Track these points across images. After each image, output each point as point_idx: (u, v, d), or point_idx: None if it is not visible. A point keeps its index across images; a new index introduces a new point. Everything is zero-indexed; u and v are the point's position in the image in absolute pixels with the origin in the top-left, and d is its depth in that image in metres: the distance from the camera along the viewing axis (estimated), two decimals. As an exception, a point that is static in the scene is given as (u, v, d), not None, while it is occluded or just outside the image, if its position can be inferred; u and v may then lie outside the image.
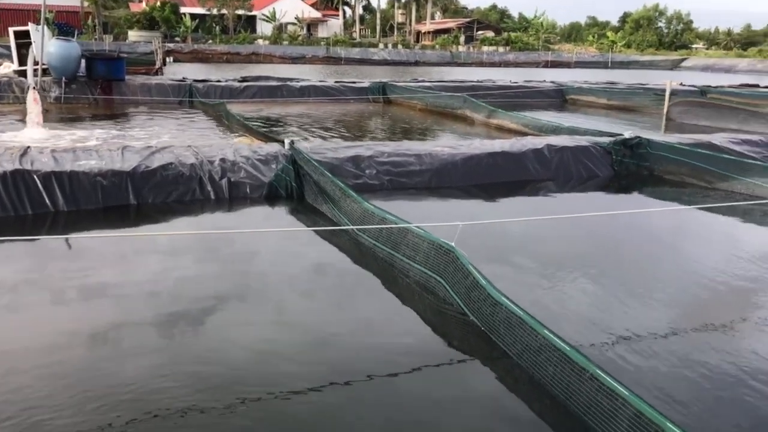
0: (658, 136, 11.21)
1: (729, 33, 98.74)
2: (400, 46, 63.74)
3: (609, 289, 5.49)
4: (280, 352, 4.24)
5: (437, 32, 72.26)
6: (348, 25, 76.54)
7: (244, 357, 4.16)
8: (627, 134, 10.31)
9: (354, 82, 20.83)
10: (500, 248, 6.38)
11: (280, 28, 65.44)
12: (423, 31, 74.20)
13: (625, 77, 32.49)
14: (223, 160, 7.96)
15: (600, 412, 3.30)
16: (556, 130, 12.01)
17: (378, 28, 72.66)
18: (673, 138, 10.92)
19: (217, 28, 61.50)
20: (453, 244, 4.92)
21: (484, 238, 6.44)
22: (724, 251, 6.69)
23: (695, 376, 4.07)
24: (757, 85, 25.96)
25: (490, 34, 72.41)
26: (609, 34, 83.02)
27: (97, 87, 16.82)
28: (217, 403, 3.60)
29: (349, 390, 3.83)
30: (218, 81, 19.02)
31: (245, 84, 18.75)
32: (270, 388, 3.78)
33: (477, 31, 72.98)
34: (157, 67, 22.37)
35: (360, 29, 75.59)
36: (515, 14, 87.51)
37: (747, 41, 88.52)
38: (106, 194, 7.27)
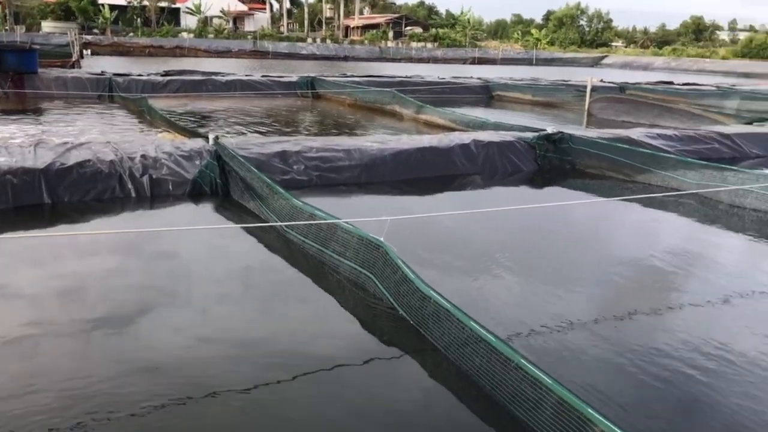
0: (580, 132, 11.57)
1: (646, 32, 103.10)
2: (328, 41, 63.45)
3: (535, 279, 5.62)
4: (207, 354, 4.13)
5: (366, 27, 72.36)
6: (275, 19, 75.54)
7: (169, 360, 4.03)
8: (550, 129, 10.60)
9: (282, 77, 20.56)
10: (430, 242, 6.43)
11: (206, 22, 63.95)
12: (352, 26, 74.13)
13: (549, 74, 33.43)
14: (144, 156, 7.69)
15: (525, 400, 3.37)
16: (483, 126, 12.22)
17: (306, 22, 72.06)
18: (594, 133, 11.29)
19: (139, 20, 59.48)
20: (382, 239, 4.92)
21: (414, 232, 6.48)
22: (642, 240, 6.98)
23: (618, 361, 4.22)
24: (671, 82, 27.23)
25: (418, 30, 73.09)
26: (533, 31, 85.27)
27: (7, 80, 15.95)
28: (140, 410, 3.47)
29: (280, 389, 3.77)
30: (140, 75, 18.38)
31: (168, 78, 18.20)
32: (197, 391, 3.68)
33: (405, 27, 73.51)
34: (73, 59, 21.42)
35: (288, 23, 74.76)
36: (442, 11, 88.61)
37: (662, 40, 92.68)
38: (16, 193, 6.90)
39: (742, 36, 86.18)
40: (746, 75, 49.06)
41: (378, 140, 9.59)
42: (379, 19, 74.30)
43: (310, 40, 62.83)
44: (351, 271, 5.23)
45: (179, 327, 4.49)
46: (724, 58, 67.86)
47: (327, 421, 3.50)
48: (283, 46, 56.04)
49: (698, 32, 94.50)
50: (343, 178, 8.55)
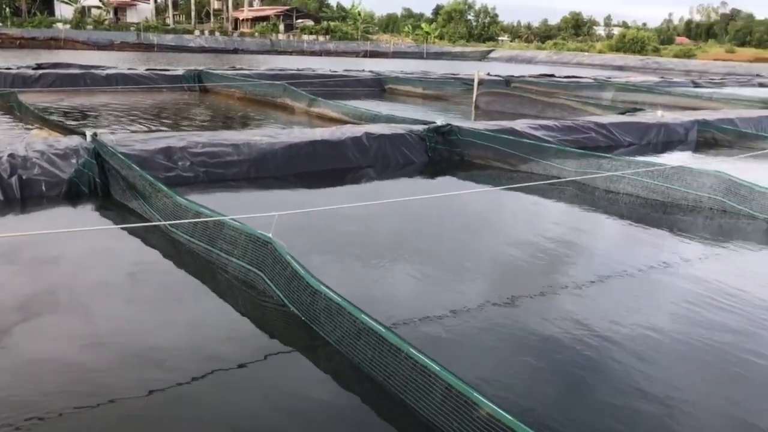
0: (468, 124, 11.89)
1: (529, 27, 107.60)
2: (217, 33, 61.70)
3: (430, 268, 5.72)
4: (99, 361, 3.90)
5: (256, 20, 70.93)
6: (160, 10, 72.59)
7: (59, 369, 3.78)
8: (439, 122, 10.82)
9: (167, 70, 19.78)
10: (323, 236, 6.39)
11: (83, 12, 60.35)
12: (241, 19, 72.43)
13: (439, 67, 34.16)
14: (12, 156, 7.15)
15: (416, 388, 3.42)
16: (375, 119, 12.30)
17: (193, 14, 69.71)
18: (481, 125, 11.63)
19: (8, 9, 55.28)
20: (270, 235, 4.83)
21: (307, 227, 6.42)
22: (528, 226, 7.28)
23: (507, 344, 4.37)
24: (553, 75, 28.61)
25: (309, 22, 72.56)
26: (424, 25, 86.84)
27: None
28: (24, 422, 3.22)
29: (172, 393, 3.64)
30: (8, 68, 17.09)
31: (41, 72, 17.06)
32: (93, 399, 3.48)
33: (297, 19, 72.74)
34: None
35: (173, 15, 72.05)
36: (333, 3, 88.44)
37: (544, 35, 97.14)
38: None
39: (617, 31, 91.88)
40: (620, 68, 52.39)
41: (268, 134, 9.42)
42: (270, 11, 73.08)
43: (197, 32, 60.81)
44: (240, 270, 5.10)
45: (67, 335, 4.22)
46: (600, 51, 72.11)
47: (227, 419, 3.40)
48: (169, 39, 53.94)
49: (577, 27, 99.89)
50: (231, 174, 8.34)
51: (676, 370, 4.15)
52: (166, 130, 11.25)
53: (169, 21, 68.00)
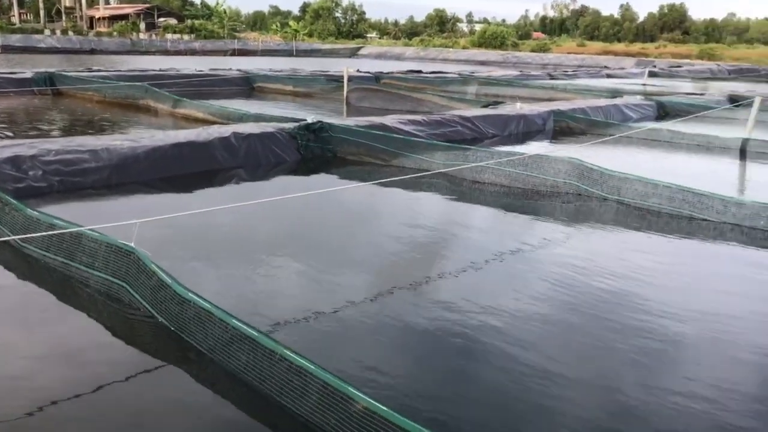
0: (339, 120, 11.92)
1: (396, 24, 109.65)
2: (71, 33, 57.81)
3: (308, 267, 5.67)
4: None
5: (114, 18, 67.23)
6: (4, 9, 66.91)
7: None
8: (310, 119, 10.78)
9: (13, 73, 18.25)
10: (195, 241, 6.17)
11: None
12: (97, 17, 68.37)
13: (310, 65, 34.04)
14: None
15: (292, 389, 3.38)
16: (243, 118, 12.04)
17: (42, 12, 64.91)
18: (352, 121, 11.71)
19: None
20: (132, 244, 4.59)
21: (177, 233, 6.18)
22: (404, 219, 7.42)
23: (390, 334, 4.43)
24: (420, 71, 29.35)
25: (173, 21, 69.79)
26: (292, 23, 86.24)
27: None
28: None
29: (40, 419, 3.37)
30: None
31: None
32: None
33: (158, 17, 69.73)
34: None
35: (20, 13, 66.68)
36: (197, 1, 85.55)
37: (411, 31, 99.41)
38: None
39: (479, 27, 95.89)
40: (483, 63, 54.74)
41: (130, 138, 8.96)
42: (129, 9, 69.52)
43: (48, 31, 56.67)
44: (103, 283, 4.82)
45: None
46: (464, 47, 75.02)
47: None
48: (15, 39, 49.84)
49: (442, 24, 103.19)
50: (89, 182, 7.84)
51: (549, 347, 4.39)
52: (13, 138, 10.38)
53: (15, 20, 62.84)
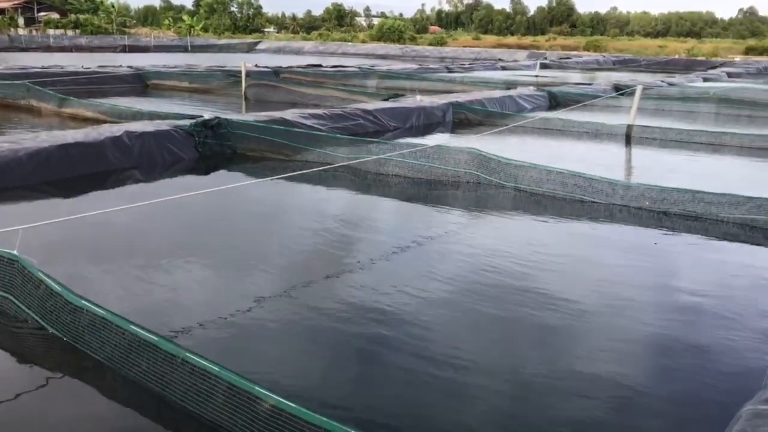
0: (238, 116, 11.66)
1: (294, 18, 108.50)
2: (-61, 29, 53.36)
3: (215, 267, 5.52)
4: None
5: (-12, 13, 62.59)
6: None
7: None
8: (207, 116, 10.47)
9: None
10: (87, 247, 5.84)
11: None
12: (-31, 12, 63.45)
13: (207, 60, 33.06)
14: None
15: (197, 393, 3.27)
16: (136, 116, 11.55)
17: None
18: (251, 117, 11.47)
19: None
20: (16, 252, 4.29)
21: (67, 239, 5.84)
22: (310, 213, 7.36)
23: (302, 332, 4.37)
24: (320, 65, 29.20)
25: (54, 15, 65.83)
26: (185, 18, 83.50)
27: None
28: None
29: None
30: None
31: None
32: None
33: (39, 12, 65.64)
34: None
35: None
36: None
37: (310, 26, 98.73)
38: None
39: (377, 21, 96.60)
40: (382, 57, 55.16)
41: (9, 140, 8.36)
42: (5, 3, 64.96)
43: None
44: (-16, 295, 4.47)
45: None
46: (363, 41, 75.32)
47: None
48: None
49: (340, 18, 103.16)
50: (-34, 188, 7.27)
51: (457, 333, 4.47)
52: None
53: None
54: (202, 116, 10.49)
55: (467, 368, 3.98)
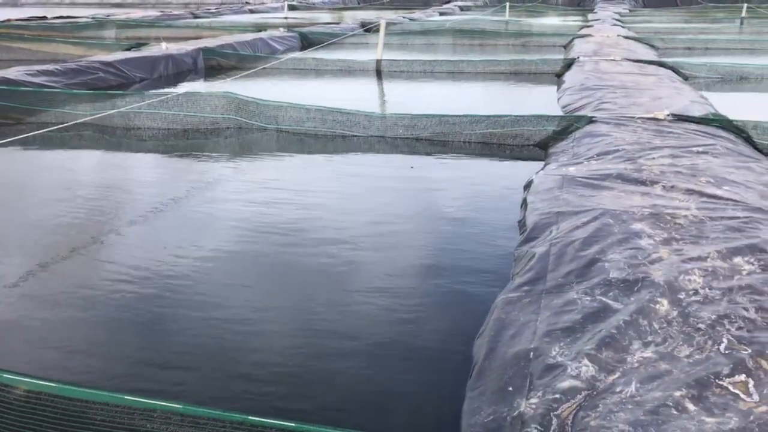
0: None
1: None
2: None
3: None
4: None
5: None
6: None
7: None
8: None
9: None
10: None
11: None
12: None
13: None
14: None
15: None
16: None
17: None
18: (-38, 78, 9.84)
19: None
20: None
21: None
22: (54, 182, 6.58)
23: (61, 313, 3.91)
24: (45, 17, 25.87)
25: None
26: None
27: None
28: None
29: None
30: None
31: None
32: None
33: None
34: None
35: None
36: None
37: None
38: None
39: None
40: (118, 5, 50.50)
41: None
42: None
43: None
44: None
45: None
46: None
47: None
48: None
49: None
50: None
51: (241, 287, 4.29)
52: None
53: None
54: None
55: (258, 319, 3.85)
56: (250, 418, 2.27)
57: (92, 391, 2.46)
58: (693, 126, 7.08)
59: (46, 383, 2.51)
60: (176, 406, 2.36)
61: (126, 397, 2.43)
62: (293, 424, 2.25)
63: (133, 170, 7.26)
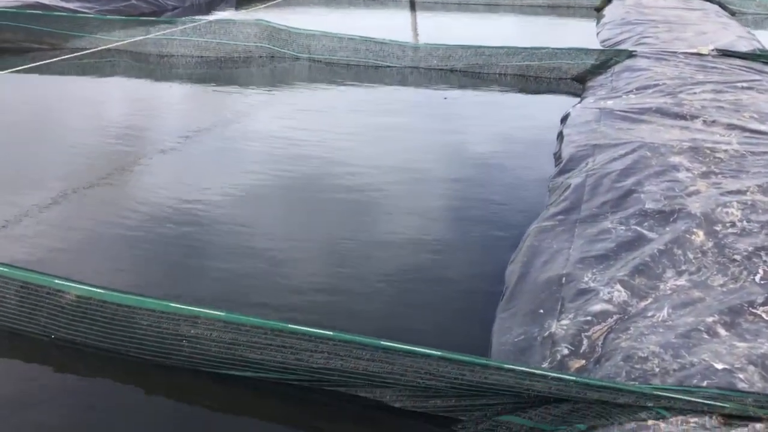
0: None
1: None
2: None
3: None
4: None
5: None
6: None
7: None
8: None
9: None
10: None
11: None
12: None
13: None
14: None
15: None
16: None
17: None
18: (-2, 2, 9.85)
19: None
20: None
21: None
22: (88, 110, 6.65)
23: (100, 241, 4.03)
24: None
25: None
26: None
27: None
28: None
29: None
30: None
31: None
32: None
33: None
34: None
35: None
36: None
37: None
38: None
39: None
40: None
41: None
42: None
43: None
44: None
45: None
46: None
47: None
48: None
49: None
50: None
51: (271, 219, 4.30)
52: None
53: None
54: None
55: (286, 251, 3.83)
56: (289, 326, 2.35)
57: (139, 297, 2.57)
58: (738, 62, 6.86)
59: (96, 289, 2.61)
60: (219, 313, 2.45)
61: (172, 304, 2.52)
62: (331, 333, 2.33)
63: (167, 98, 7.31)
